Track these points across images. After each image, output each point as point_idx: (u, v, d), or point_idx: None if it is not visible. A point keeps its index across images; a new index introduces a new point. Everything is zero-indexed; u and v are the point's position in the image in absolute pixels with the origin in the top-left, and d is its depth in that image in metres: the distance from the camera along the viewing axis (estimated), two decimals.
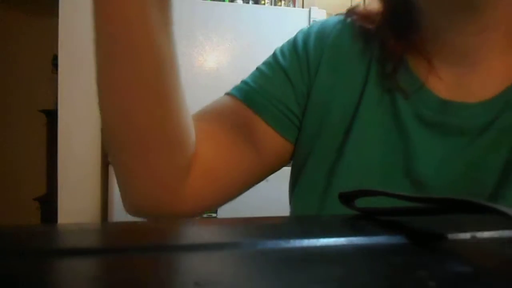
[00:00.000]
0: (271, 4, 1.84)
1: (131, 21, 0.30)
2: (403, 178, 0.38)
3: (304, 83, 0.42)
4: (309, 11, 1.57)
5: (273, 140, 0.42)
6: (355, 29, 0.43)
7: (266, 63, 0.44)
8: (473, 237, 0.26)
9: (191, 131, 0.37)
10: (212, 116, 0.42)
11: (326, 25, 0.45)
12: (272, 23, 1.55)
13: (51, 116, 2.64)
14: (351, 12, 0.43)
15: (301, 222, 0.37)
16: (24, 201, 2.81)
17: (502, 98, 0.36)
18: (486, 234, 0.27)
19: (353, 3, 1.85)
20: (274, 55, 0.44)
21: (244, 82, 0.44)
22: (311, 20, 1.57)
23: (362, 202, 0.32)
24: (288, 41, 0.45)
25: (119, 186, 0.37)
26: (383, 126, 0.39)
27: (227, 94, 0.43)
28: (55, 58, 2.26)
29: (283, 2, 1.86)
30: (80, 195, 1.53)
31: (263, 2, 1.83)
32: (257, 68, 0.44)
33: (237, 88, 0.43)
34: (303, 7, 1.87)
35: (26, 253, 0.22)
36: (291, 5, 1.86)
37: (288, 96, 0.42)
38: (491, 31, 0.36)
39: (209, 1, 1.54)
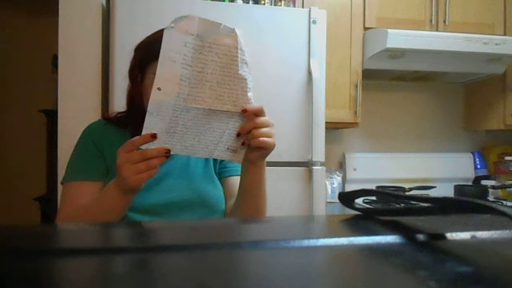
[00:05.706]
0: (271, 4, 1.84)
1: (124, 208, 0.77)
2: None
3: (101, 154, 0.88)
4: (309, 11, 1.57)
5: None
6: (114, 126, 0.91)
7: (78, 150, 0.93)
8: (473, 237, 0.26)
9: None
10: None
11: (96, 124, 0.93)
12: (272, 23, 1.55)
13: (51, 116, 2.64)
14: (107, 118, 0.92)
15: (301, 222, 0.37)
16: (24, 201, 2.81)
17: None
18: (486, 234, 0.27)
19: (353, 3, 1.85)
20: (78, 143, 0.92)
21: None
22: (311, 20, 1.57)
23: None
24: (82, 135, 0.91)
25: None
26: None
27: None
28: (55, 58, 2.26)
29: (283, 2, 1.86)
30: None
31: (263, 2, 1.82)
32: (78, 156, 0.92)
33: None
34: (303, 7, 1.87)
35: (26, 253, 0.22)
36: (291, 5, 1.86)
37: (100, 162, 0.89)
38: None
39: (209, 1, 1.54)
